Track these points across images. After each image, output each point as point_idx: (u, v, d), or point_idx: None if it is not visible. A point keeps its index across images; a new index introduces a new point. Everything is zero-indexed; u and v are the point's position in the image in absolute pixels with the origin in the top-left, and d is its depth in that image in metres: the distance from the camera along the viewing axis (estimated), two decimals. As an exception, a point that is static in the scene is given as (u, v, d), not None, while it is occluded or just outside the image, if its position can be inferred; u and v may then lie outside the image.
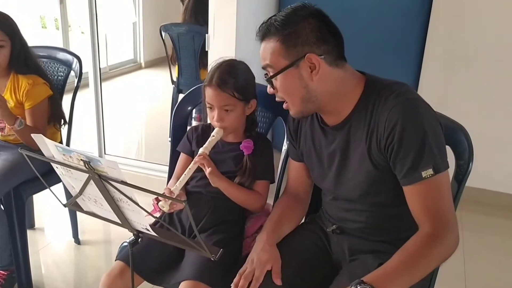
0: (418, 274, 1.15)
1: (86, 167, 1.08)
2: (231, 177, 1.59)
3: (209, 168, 1.50)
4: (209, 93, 1.55)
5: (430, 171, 1.16)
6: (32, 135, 1.16)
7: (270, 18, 1.25)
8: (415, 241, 1.17)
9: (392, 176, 1.24)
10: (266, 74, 1.28)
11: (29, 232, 2.18)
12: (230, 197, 1.57)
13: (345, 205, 1.38)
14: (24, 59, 2.03)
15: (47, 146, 1.14)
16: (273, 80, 1.27)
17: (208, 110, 1.59)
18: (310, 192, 1.55)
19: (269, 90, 1.31)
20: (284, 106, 1.32)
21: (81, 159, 1.08)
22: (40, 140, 1.14)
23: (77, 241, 2.55)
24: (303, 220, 1.62)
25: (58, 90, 2.27)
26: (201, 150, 1.52)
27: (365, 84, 1.27)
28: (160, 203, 1.43)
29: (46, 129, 2.09)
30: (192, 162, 1.50)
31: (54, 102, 2.12)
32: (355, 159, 1.29)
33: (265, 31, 1.24)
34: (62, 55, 2.33)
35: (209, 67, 1.62)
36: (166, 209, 1.44)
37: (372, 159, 1.25)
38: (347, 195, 1.36)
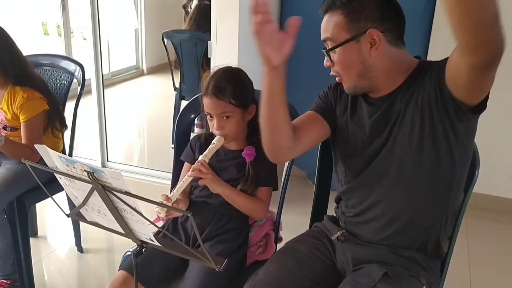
0: None
1: (89, 178, 1.07)
2: (234, 184, 1.58)
3: (207, 176, 1.48)
4: (206, 102, 1.55)
5: None
6: (35, 145, 1.15)
7: None
8: None
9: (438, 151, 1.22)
10: (325, 47, 1.28)
11: (32, 241, 2.17)
12: (231, 203, 1.56)
13: (372, 185, 1.33)
14: (17, 71, 1.99)
15: (50, 157, 1.14)
16: (331, 53, 1.27)
17: (208, 119, 1.59)
18: (304, 143, 1.37)
19: (326, 63, 1.30)
20: (337, 79, 1.32)
21: (85, 170, 1.07)
22: (44, 150, 1.14)
23: (80, 249, 2.54)
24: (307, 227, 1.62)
25: (61, 98, 2.27)
26: (200, 157, 1.51)
27: (418, 63, 1.28)
28: (156, 209, 1.42)
29: (41, 142, 2.07)
30: (190, 170, 1.49)
31: (52, 115, 2.09)
32: (404, 124, 1.25)
33: (330, 4, 1.25)
34: (64, 63, 2.32)
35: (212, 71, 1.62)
36: (162, 215, 1.43)
37: (424, 118, 1.21)
38: (382, 167, 1.30)
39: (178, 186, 1.47)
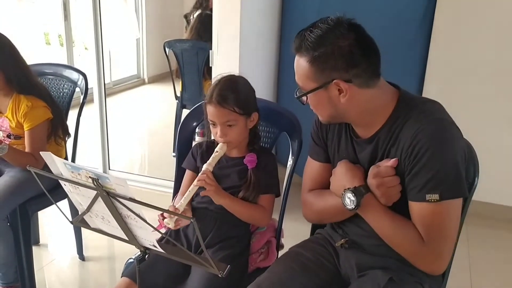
0: (387, 234, 1.27)
1: (94, 184, 1.09)
2: (235, 191, 1.59)
3: (211, 188, 1.51)
4: (210, 110, 1.56)
5: (435, 196, 1.18)
6: (41, 152, 1.17)
7: (305, 31, 1.22)
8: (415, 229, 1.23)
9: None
10: (299, 88, 1.29)
11: (34, 248, 2.18)
12: (234, 213, 1.58)
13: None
14: (21, 80, 2.01)
15: (56, 164, 1.15)
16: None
17: (211, 126, 1.60)
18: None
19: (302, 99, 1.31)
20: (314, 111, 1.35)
21: (90, 177, 1.09)
22: (49, 157, 1.15)
23: (82, 257, 2.54)
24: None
25: (63, 106, 2.28)
26: (204, 166, 1.53)
27: (398, 100, 1.27)
28: (165, 220, 1.44)
29: (45, 150, 2.07)
30: (196, 179, 1.51)
31: (55, 123, 2.11)
32: None
33: (298, 46, 1.23)
34: (68, 72, 2.34)
35: (213, 80, 1.64)
36: (171, 225, 1.45)
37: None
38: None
39: (185, 195, 1.48)
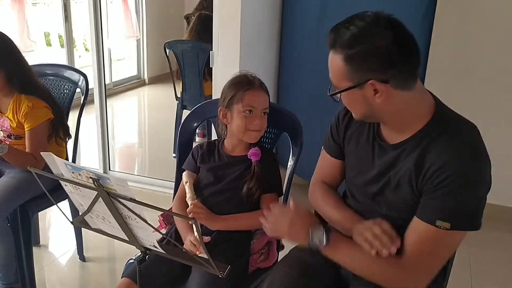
0: (359, 269, 1.26)
1: (95, 185, 1.09)
2: (239, 186, 1.59)
3: (200, 215, 1.52)
4: (252, 97, 1.57)
5: (446, 225, 1.14)
6: (42, 153, 1.17)
7: (341, 26, 1.15)
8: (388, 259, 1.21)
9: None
10: (330, 86, 1.24)
11: (34, 249, 2.18)
12: (236, 229, 1.59)
13: (369, 209, 1.37)
14: (22, 80, 2.01)
15: (56, 164, 1.15)
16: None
17: (241, 118, 1.58)
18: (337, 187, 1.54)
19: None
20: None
21: (90, 177, 1.09)
22: (49, 158, 1.15)
23: (82, 258, 2.54)
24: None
25: (64, 107, 2.28)
26: (188, 201, 1.54)
27: (434, 113, 1.22)
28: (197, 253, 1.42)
29: (45, 151, 2.07)
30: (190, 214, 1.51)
31: (56, 124, 2.11)
32: (397, 177, 1.26)
33: (332, 42, 1.16)
34: (68, 73, 2.34)
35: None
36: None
37: (412, 183, 1.22)
38: (373, 205, 1.35)
39: (195, 232, 1.47)
